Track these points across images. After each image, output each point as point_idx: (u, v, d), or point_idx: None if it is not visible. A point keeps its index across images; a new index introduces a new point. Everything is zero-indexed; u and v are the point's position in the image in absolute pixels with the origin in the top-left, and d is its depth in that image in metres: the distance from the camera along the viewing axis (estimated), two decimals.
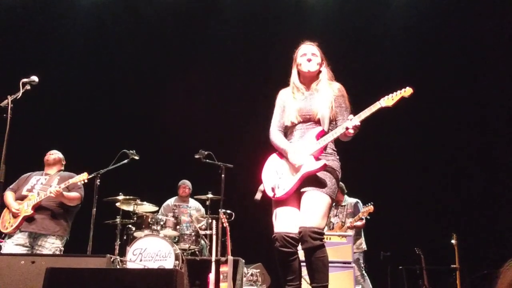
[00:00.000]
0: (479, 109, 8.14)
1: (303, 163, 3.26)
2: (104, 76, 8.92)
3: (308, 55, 3.50)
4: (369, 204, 6.37)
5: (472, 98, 8.16)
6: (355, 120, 3.18)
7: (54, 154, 5.50)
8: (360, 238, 6.65)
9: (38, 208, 5.03)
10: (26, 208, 4.98)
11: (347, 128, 3.19)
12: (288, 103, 3.49)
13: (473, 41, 8.21)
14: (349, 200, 6.76)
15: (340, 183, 6.66)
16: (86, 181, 5.18)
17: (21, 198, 5.11)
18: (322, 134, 3.33)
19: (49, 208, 5.08)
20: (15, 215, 4.99)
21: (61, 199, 5.09)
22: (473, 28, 8.14)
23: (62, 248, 5.17)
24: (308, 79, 3.52)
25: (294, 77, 3.55)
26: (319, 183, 3.24)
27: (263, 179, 3.46)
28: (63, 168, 5.54)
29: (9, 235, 5.03)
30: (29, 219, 4.99)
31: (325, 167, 3.24)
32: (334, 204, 6.70)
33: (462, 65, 8.25)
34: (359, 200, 6.74)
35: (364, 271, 6.54)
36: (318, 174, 3.25)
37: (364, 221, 6.52)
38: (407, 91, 3.21)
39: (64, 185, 5.04)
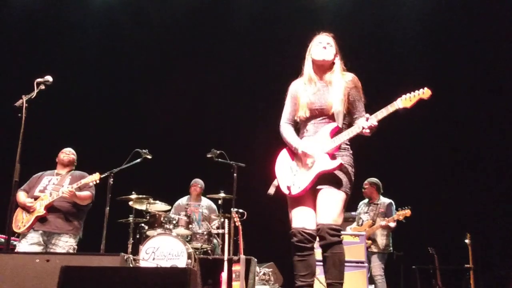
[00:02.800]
0: (496, 107, 8.06)
1: (318, 161, 3.25)
2: (117, 75, 8.97)
3: (323, 43, 3.45)
4: (406, 207, 6.35)
5: (487, 96, 8.08)
6: (372, 120, 3.14)
7: (70, 155, 5.49)
8: (388, 239, 6.63)
9: (50, 208, 5.05)
10: (38, 208, 5.01)
11: (363, 128, 3.16)
12: (301, 95, 3.42)
13: (489, 35, 8.13)
14: (382, 200, 6.74)
15: (378, 182, 6.70)
16: (98, 181, 5.20)
17: (34, 198, 5.14)
18: (336, 130, 3.30)
19: (61, 208, 5.10)
20: (29, 210, 5.02)
21: (73, 199, 5.12)
22: (487, 23, 8.07)
23: (76, 246, 5.20)
24: (322, 69, 3.45)
25: (308, 67, 3.48)
26: (334, 180, 3.23)
27: (277, 175, 3.44)
28: (74, 167, 5.56)
29: (23, 235, 5.06)
30: (41, 219, 5.02)
31: (341, 167, 3.22)
32: (367, 201, 6.76)
33: (480, 61, 8.17)
34: (392, 202, 6.72)
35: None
36: (334, 171, 3.23)
37: (395, 223, 6.50)
38: (426, 93, 3.13)
39: (77, 185, 5.07)
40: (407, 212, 6.33)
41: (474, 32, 8.22)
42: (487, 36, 8.14)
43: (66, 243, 5.07)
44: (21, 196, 5.18)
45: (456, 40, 8.37)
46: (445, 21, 8.43)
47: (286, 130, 3.48)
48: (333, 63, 3.46)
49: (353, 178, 3.33)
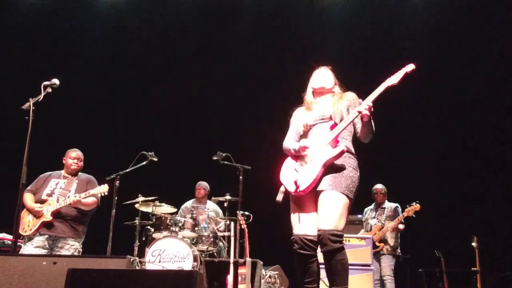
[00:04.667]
0: (505, 109, 8.02)
1: (321, 152, 3.30)
2: (123, 78, 9.00)
3: (321, 73, 3.65)
4: (415, 202, 6.40)
5: (496, 99, 8.05)
6: (367, 101, 3.23)
7: (78, 163, 5.44)
8: (398, 241, 6.65)
9: (56, 214, 5.08)
10: (45, 214, 5.03)
11: (359, 112, 3.23)
12: (303, 112, 3.59)
13: (495, 37, 8.11)
14: (389, 204, 6.83)
15: (385, 188, 6.68)
16: (106, 193, 5.19)
17: (41, 202, 5.15)
18: (335, 126, 3.37)
19: (67, 214, 5.13)
20: (37, 215, 5.04)
21: (78, 206, 5.15)
22: (494, 24, 8.05)
23: (81, 249, 5.24)
24: (321, 96, 3.62)
25: (309, 96, 3.65)
26: (336, 183, 3.25)
27: (282, 179, 3.46)
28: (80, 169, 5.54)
29: (28, 238, 5.08)
30: (47, 224, 5.05)
31: (344, 152, 3.27)
32: (373, 206, 6.78)
33: (485, 62, 8.14)
34: (398, 205, 6.79)
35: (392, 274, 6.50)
36: (335, 173, 3.27)
37: (404, 225, 6.58)
38: (409, 67, 3.34)
39: (85, 195, 5.10)
40: (417, 206, 6.38)
41: (479, 33, 8.19)
42: (493, 38, 8.12)
43: (72, 246, 5.11)
44: (29, 200, 5.18)
45: (461, 40, 8.34)
46: (450, 22, 8.41)
47: (288, 141, 3.59)
48: (332, 92, 3.63)
49: (357, 183, 3.35)
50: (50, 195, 5.19)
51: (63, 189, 5.25)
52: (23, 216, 5.13)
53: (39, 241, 5.03)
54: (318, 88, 3.62)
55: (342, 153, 3.25)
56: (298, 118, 3.61)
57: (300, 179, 3.32)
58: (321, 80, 3.62)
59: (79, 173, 5.50)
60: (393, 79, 3.28)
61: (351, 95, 3.54)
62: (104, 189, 5.16)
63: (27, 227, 5.06)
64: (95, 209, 5.39)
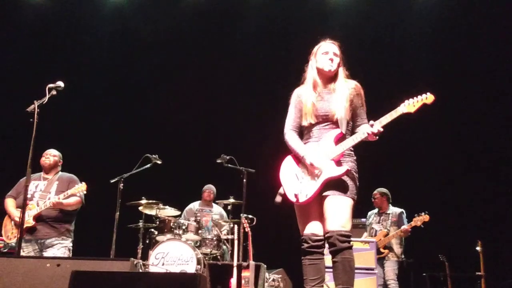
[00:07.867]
0: (505, 113, 8.00)
1: (324, 168, 3.26)
2: (127, 80, 9.01)
3: (330, 54, 3.46)
4: (424, 213, 6.36)
5: (500, 101, 8.02)
6: (376, 126, 3.17)
7: (50, 158, 5.35)
8: (403, 247, 6.64)
9: (38, 217, 5.04)
10: (27, 219, 4.92)
11: (368, 134, 3.18)
12: (305, 102, 3.44)
13: (497, 40, 8.09)
14: (393, 210, 6.78)
15: (387, 192, 6.69)
16: (85, 192, 5.15)
17: (22, 206, 5.12)
18: (340, 136, 3.32)
19: (49, 217, 5.08)
20: (17, 224, 4.98)
21: (60, 207, 5.10)
22: (496, 28, 8.03)
23: (71, 247, 5.21)
24: (326, 78, 3.48)
25: (312, 74, 3.50)
26: (341, 187, 3.24)
27: (282, 183, 3.45)
28: (60, 168, 5.45)
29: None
30: (30, 229, 4.99)
31: (347, 173, 3.23)
32: (377, 211, 6.80)
33: (487, 66, 8.11)
34: (403, 210, 6.76)
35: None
36: (338, 178, 3.24)
37: (410, 231, 6.54)
38: (429, 98, 3.17)
39: (64, 196, 5.04)
40: (425, 217, 6.33)
41: (483, 35, 8.17)
42: (498, 39, 8.10)
43: (61, 245, 5.08)
44: (10, 206, 5.16)
45: (466, 42, 8.32)
46: (454, 23, 8.39)
47: (291, 137, 3.49)
48: (336, 74, 3.49)
49: (357, 183, 3.34)
50: (30, 199, 5.08)
51: (42, 192, 5.18)
52: (6, 223, 5.13)
53: (28, 247, 5.00)
54: (325, 72, 3.45)
55: (345, 173, 3.23)
56: (301, 102, 3.46)
57: (301, 191, 3.32)
58: (329, 65, 3.42)
59: (60, 172, 5.42)
60: (409, 108, 3.15)
61: (352, 87, 3.42)
62: (82, 187, 5.12)
63: (11, 234, 5.07)
64: (80, 207, 5.34)
